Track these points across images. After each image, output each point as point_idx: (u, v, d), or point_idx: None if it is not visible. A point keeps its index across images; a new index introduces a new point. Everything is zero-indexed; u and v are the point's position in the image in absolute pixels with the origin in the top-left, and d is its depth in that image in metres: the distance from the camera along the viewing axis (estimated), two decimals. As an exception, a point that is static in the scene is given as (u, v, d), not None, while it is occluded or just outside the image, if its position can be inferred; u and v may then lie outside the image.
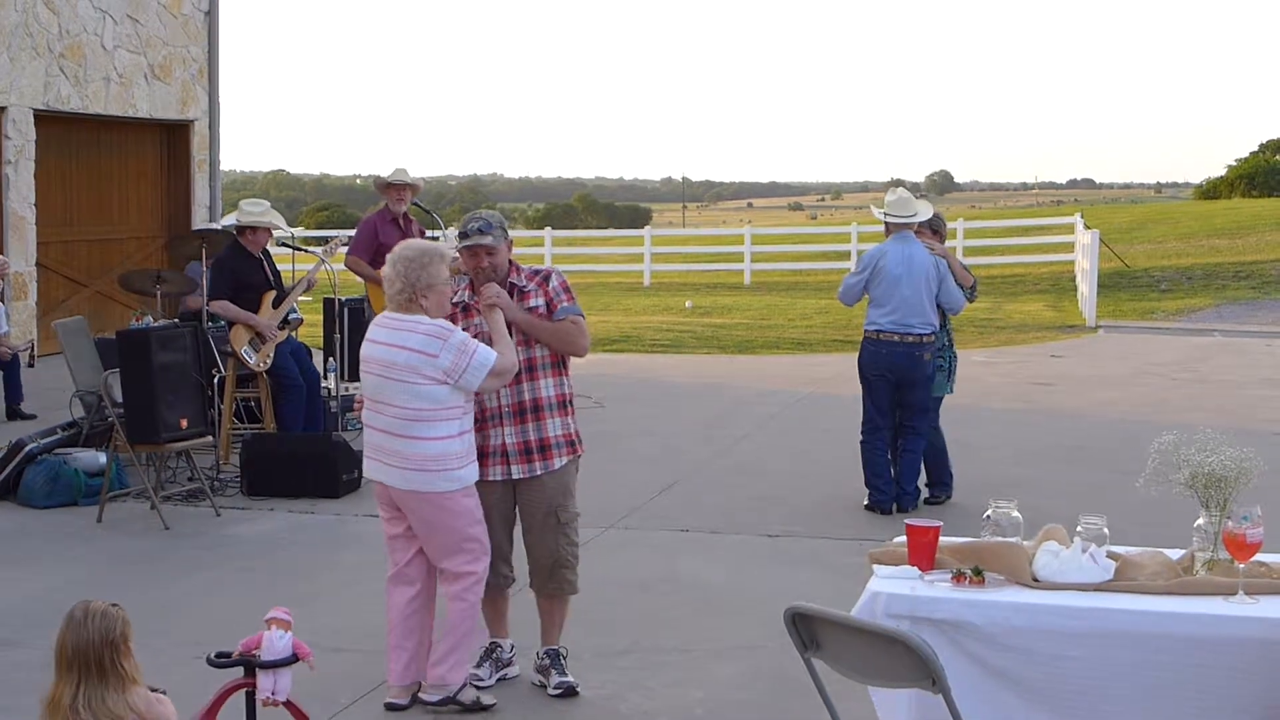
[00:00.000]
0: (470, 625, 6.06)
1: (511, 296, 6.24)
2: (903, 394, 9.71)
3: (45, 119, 18.33)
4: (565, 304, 6.26)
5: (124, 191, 20.43)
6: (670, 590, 7.96)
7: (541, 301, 6.27)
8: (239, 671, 5.03)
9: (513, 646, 6.51)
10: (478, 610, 6.11)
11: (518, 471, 6.17)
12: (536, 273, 6.37)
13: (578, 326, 6.28)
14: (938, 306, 9.72)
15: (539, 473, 6.19)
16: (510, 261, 6.33)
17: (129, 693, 4.18)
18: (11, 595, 7.81)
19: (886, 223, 9.79)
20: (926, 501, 9.95)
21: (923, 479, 9.99)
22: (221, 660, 5.03)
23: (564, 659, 6.35)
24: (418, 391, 5.86)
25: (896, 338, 9.58)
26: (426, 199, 12.68)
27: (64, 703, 4.13)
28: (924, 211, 9.85)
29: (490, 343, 6.06)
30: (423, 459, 5.90)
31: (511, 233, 6.40)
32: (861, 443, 9.87)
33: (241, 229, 11.37)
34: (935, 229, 10.05)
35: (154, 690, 4.41)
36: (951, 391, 10.12)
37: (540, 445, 6.18)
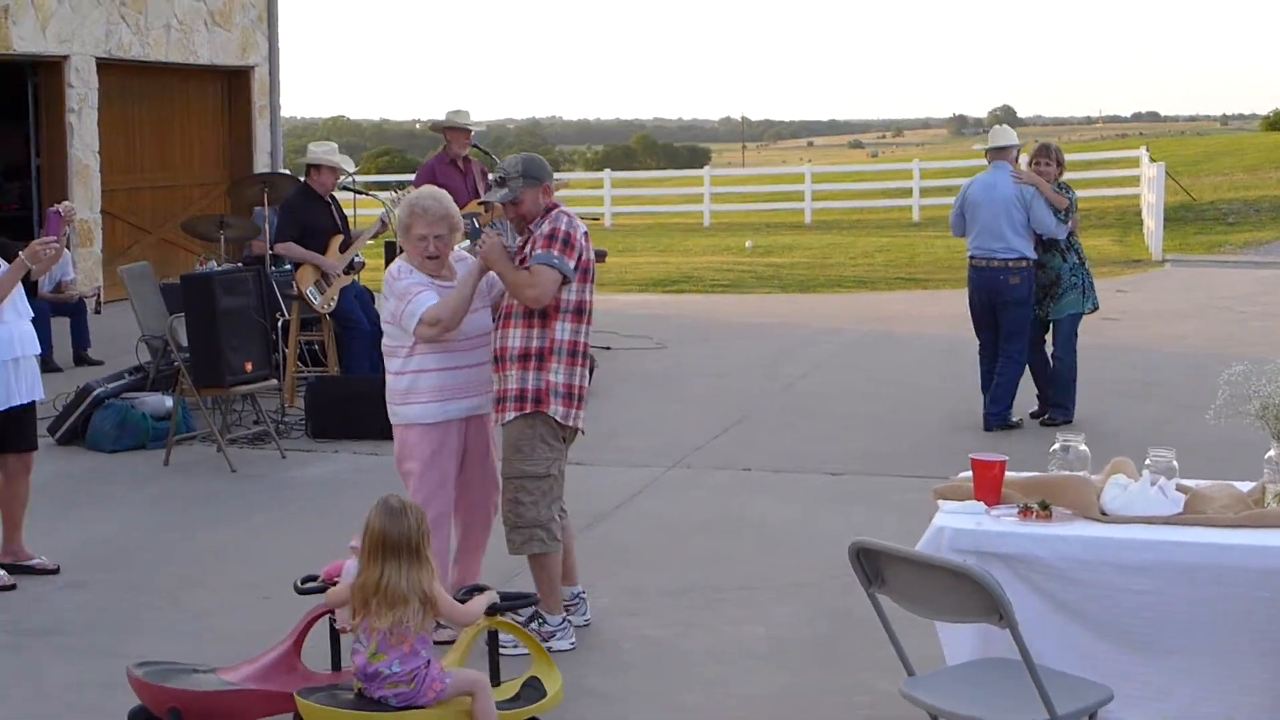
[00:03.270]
0: None
1: (527, 243, 6.10)
2: (996, 316, 10.21)
3: (107, 67, 18.41)
4: (539, 252, 5.98)
5: (186, 138, 20.51)
6: (732, 529, 7.95)
7: (530, 249, 6.06)
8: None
9: (574, 595, 6.39)
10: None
11: (502, 419, 6.13)
12: (547, 219, 6.09)
13: (530, 276, 5.94)
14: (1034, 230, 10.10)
15: (499, 424, 6.16)
16: (551, 206, 6.13)
17: (431, 576, 4.72)
18: (81, 537, 7.91)
19: (986, 152, 10.49)
20: (1043, 423, 10.22)
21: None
22: (310, 587, 5.20)
23: (532, 628, 5.99)
24: (385, 328, 6.23)
25: (983, 262, 10.17)
26: (486, 142, 12.63)
27: (380, 584, 4.64)
28: (1012, 139, 10.50)
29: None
30: (387, 388, 6.27)
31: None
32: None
33: (308, 169, 11.39)
34: (1058, 160, 10.34)
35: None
36: (1095, 308, 10.38)
37: (500, 397, 6.09)
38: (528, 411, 6.02)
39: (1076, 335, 10.31)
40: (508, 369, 6.06)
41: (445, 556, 6.24)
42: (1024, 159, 10.59)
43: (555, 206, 6.17)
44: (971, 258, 10.26)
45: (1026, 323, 10.16)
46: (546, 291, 5.94)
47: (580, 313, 6.09)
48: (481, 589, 5.19)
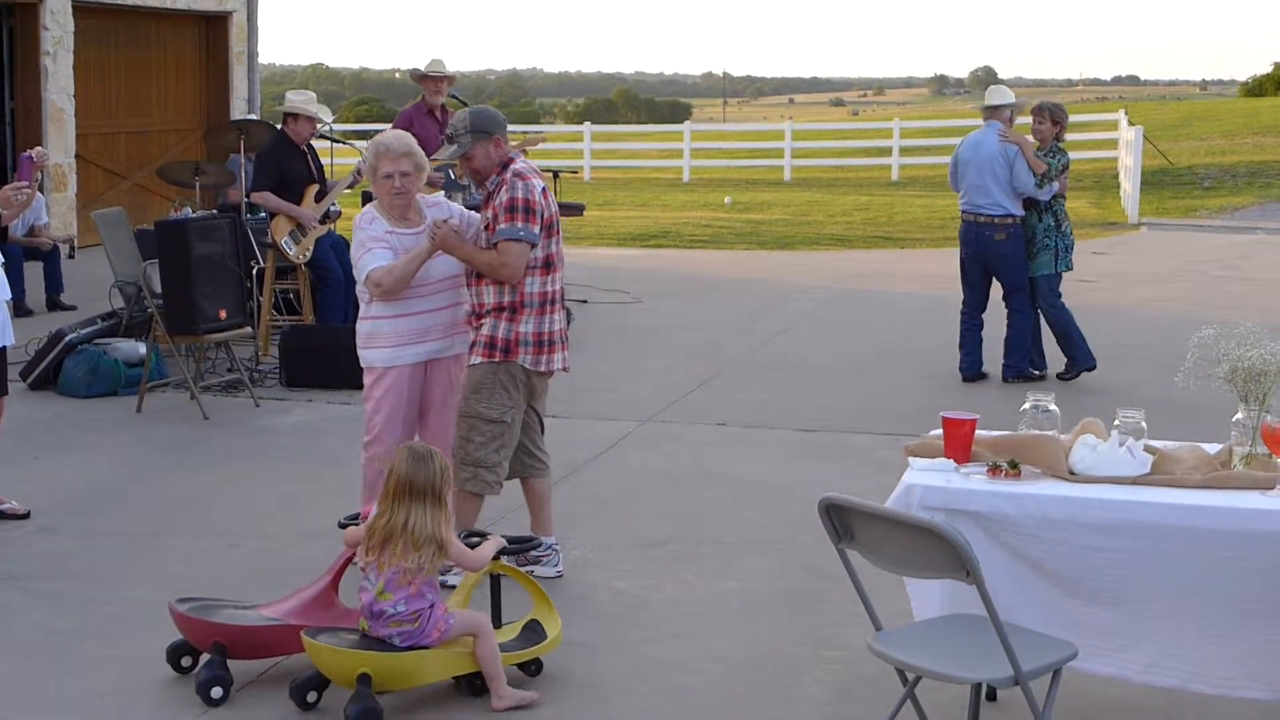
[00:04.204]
0: (367, 496, 6.20)
1: (487, 202, 6.19)
2: (992, 273, 10.48)
3: (83, 11, 18.23)
4: (503, 226, 6.05)
5: (162, 84, 20.35)
6: (706, 484, 7.97)
7: (491, 215, 6.13)
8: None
9: (548, 547, 6.41)
10: (371, 486, 6.23)
11: (470, 361, 6.25)
12: (504, 183, 6.13)
13: (500, 256, 6.04)
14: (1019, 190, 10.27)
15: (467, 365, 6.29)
16: (508, 160, 6.17)
17: (447, 521, 4.89)
18: (52, 483, 7.89)
19: (982, 110, 10.75)
20: (1060, 377, 10.42)
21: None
22: (351, 522, 5.31)
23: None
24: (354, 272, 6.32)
25: (971, 217, 10.41)
26: (466, 94, 12.56)
27: (407, 526, 4.79)
28: (1007, 98, 10.67)
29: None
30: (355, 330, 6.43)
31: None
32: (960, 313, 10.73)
33: (285, 117, 11.31)
34: (1052, 118, 10.47)
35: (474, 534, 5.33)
36: (1069, 268, 10.48)
37: (473, 341, 6.25)
38: (496, 360, 6.14)
39: (1056, 294, 10.40)
40: (485, 320, 6.18)
41: (369, 489, 6.34)
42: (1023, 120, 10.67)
43: (511, 160, 6.20)
44: (963, 213, 10.47)
45: (1023, 275, 10.32)
46: (519, 267, 6.09)
47: (549, 266, 6.20)
48: (484, 534, 5.27)
